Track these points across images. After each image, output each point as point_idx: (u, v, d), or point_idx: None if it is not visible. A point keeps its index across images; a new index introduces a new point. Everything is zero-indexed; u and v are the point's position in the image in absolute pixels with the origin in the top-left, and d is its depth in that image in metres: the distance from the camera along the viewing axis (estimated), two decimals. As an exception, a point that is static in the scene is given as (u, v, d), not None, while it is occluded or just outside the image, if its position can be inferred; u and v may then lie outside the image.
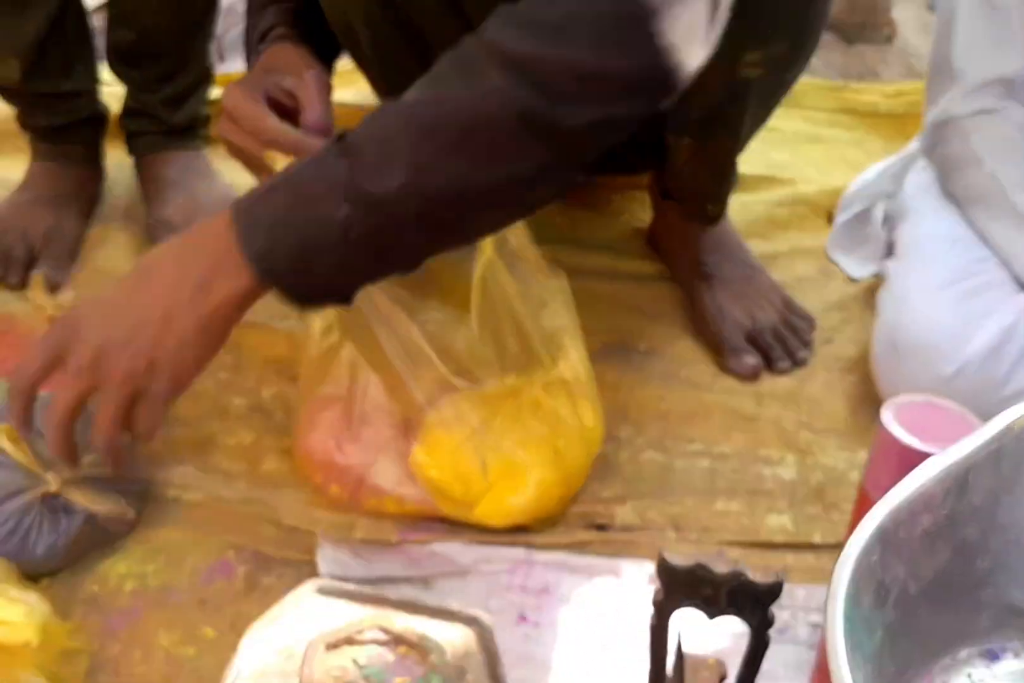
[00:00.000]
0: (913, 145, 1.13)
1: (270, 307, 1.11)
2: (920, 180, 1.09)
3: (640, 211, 1.25)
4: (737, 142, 1.00)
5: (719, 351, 1.06)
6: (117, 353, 0.71)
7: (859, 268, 1.17)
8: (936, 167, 1.07)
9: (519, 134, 0.63)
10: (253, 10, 0.96)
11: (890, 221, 1.13)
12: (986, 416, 0.65)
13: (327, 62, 0.93)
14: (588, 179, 1.28)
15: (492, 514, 0.87)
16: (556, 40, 0.62)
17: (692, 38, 0.63)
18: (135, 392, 0.72)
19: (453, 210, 0.67)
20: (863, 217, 1.17)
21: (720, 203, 1.09)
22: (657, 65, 0.63)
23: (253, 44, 0.91)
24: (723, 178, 1.05)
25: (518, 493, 0.86)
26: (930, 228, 1.03)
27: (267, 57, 0.87)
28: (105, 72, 1.25)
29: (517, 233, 0.92)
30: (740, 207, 1.27)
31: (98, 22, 1.24)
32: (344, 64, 1.03)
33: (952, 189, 1.03)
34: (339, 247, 0.66)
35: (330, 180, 0.65)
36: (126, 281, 0.75)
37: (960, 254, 0.98)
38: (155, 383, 0.72)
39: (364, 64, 1.02)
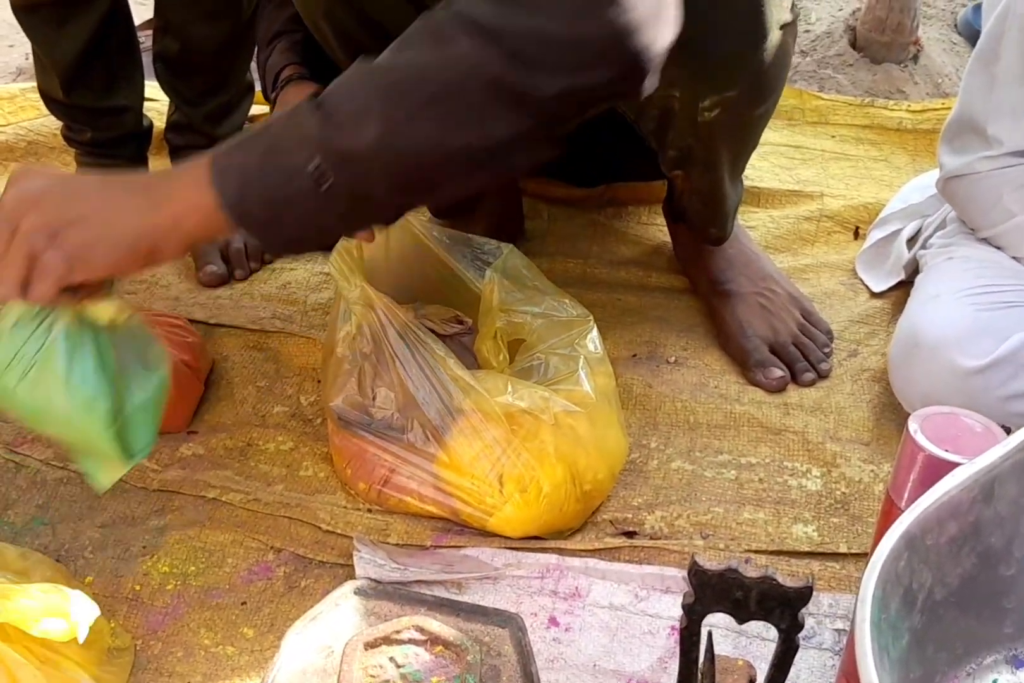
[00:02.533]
0: None
1: (309, 318, 1.15)
2: None
3: (666, 226, 1.27)
4: (718, 174, 1.02)
5: (744, 364, 1.08)
6: (39, 209, 0.68)
7: (879, 283, 1.18)
8: (961, 216, 1.07)
9: (488, 100, 0.65)
10: (262, 43, 0.97)
11: (922, 240, 1.14)
12: (994, 417, 0.67)
13: None
14: (603, 182, 1.31)
15: (506, 526, 0.89)
16: (527, 10, 0.63)
17: (658, 15, 0.64)
18: (31, 252, 0.68)
19: (423, 170, 0.68)
20: (894, 235, 1.19)
21: (721, 227, 1.11)
22: (626, 35, 0.63)
23: (268, 83, 0.93)
24: (717, 205, 1.08)
25: (532, 507, 0.88)
26: (967, 251, 1.04)
27: (284, 103, 0.88)
28: (150, 89, 1.28)
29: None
30: (768, 221, 1.30)
31: (145, 40, 1.28)
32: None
33: (983, 237, 1.04)
34: (309, 199, 0.67)
35: (303, 133, 0.66)
36: (91, 176, 0.73)
37: (993, 274, 0.99)
38: (51, 253, 0.68)
39: (337, 61, 1.02)
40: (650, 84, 0.67)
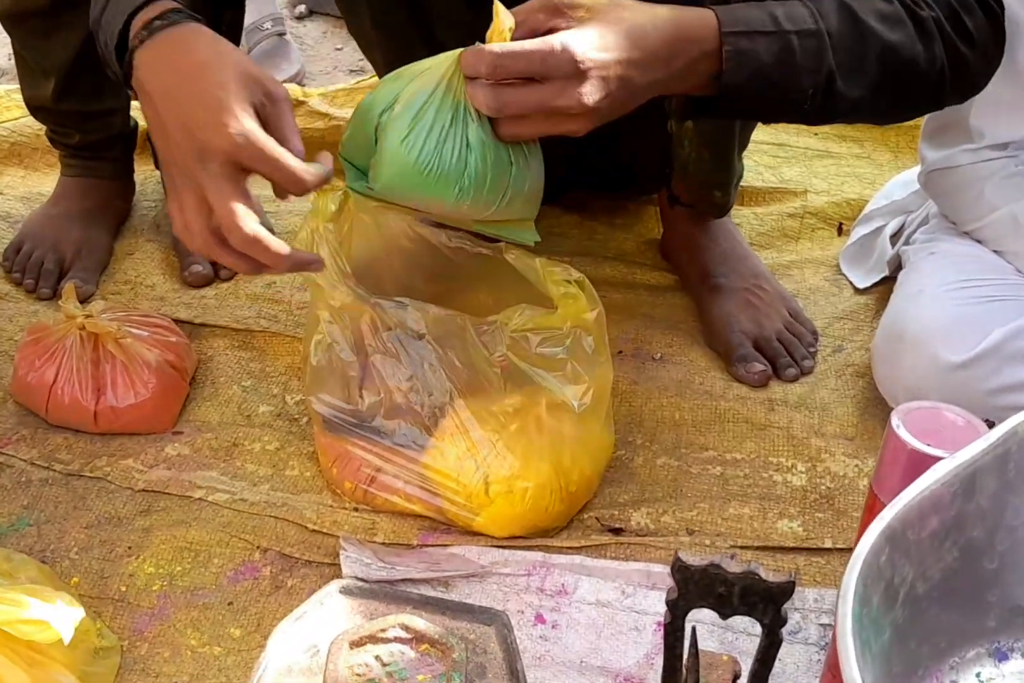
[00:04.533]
0: None
1: (294, 317, 1.15)
2: None
3: (654, 223, 1.28)
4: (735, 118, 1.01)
5: (728, 359, 1.08)
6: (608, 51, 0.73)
7: (863, 279, 1.19)
8: (944, 210, 1.07)
9: (930, 92, 0.85)
10: None
11: (905, 235, 1.14)
12: (977, 411, 0.67)
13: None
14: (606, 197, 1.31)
15: (492, 526, 0.90)
16: (977, 47, 0.84)
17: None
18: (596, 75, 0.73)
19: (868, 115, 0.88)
20: (877, 231, 1.19)
21: (726, 191, 1.11)
22: (990, 75, 0.89)
23: (114, 20, 0.78)
24: (724, 157, 1.07)
25: (517, 507, 0.88)
26: (949, 246, 1.04)
27: (209, 55, 0.75)
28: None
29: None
30: (752, 218, 1.30)
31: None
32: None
33: (966, 230, 1.05)
34: (786, 102, 0.81)
35: (820, 59, 0.78)
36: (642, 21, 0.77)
37: (976, 269, 0.99)
38: (589, 121, 0.74)
39: (366, 44, 1.01)
40: None
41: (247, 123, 0.70)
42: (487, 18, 0.73)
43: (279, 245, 0.71)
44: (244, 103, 0.71)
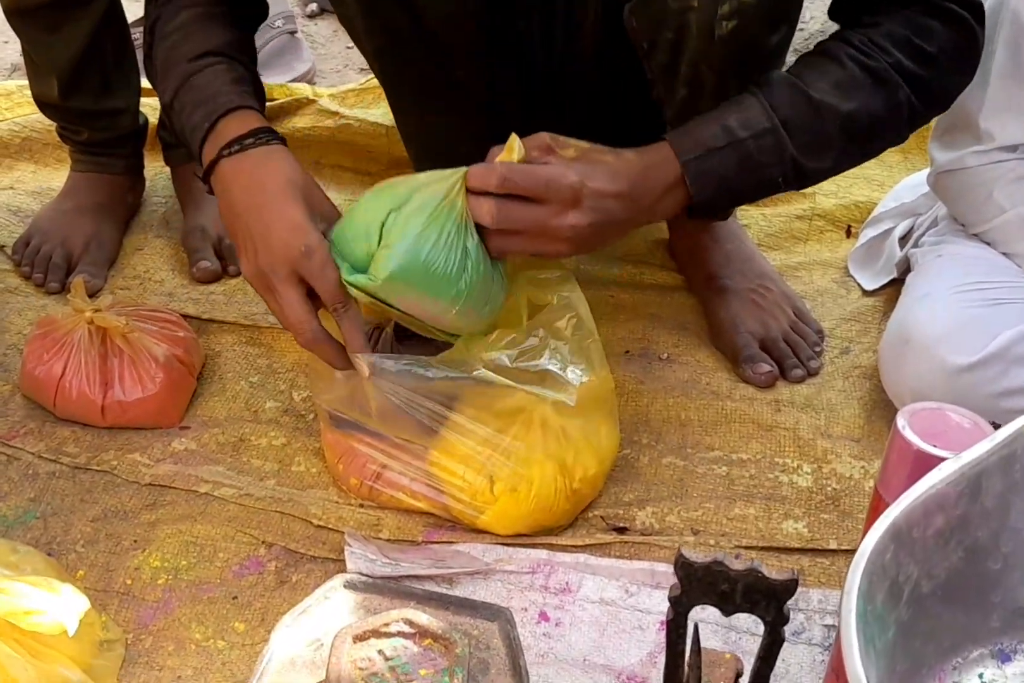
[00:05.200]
0: None
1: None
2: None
3: (662, 224, 1.27)
4: None
5: (735, 360, 1.08)
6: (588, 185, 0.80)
7: (871, 281, 1.19)
8: (953, 212, 1.07)
9: (904, 129, 0.90)
10: (181, 54, 0.91)
11: (914, 238, 1.14)
12: (983, 414, 0.67)
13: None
14: None
15: (496, 524, 0.90)
16: (942, 72, 0.88)
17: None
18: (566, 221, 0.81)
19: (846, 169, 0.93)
20: (886, 233, 1.19)
21: None
22: (968, 82, 0.92)
23: (197, 98, 0.88)
24: None
25: (522, 506, 0.88)
26: (958, 249, 1.04)
27: (288, 177, 0.84)
28: (147, 82, 1.28)
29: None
30: (760, 220, 1.30)
31: (138, 37, 1.28)
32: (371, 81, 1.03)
33: (975, 232, 1.05)
34: (763, 194, 0.92)
35: (780, 152, 0.85)
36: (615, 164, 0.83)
37: (983, 271, 0.99)
38: (575, 246, 0.82)
39: (352, 29, 1.00)
40: None
41: (312, 240, 0.80)
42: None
43: (334, 348, 0.83)
44: (312, 225, 0.81)
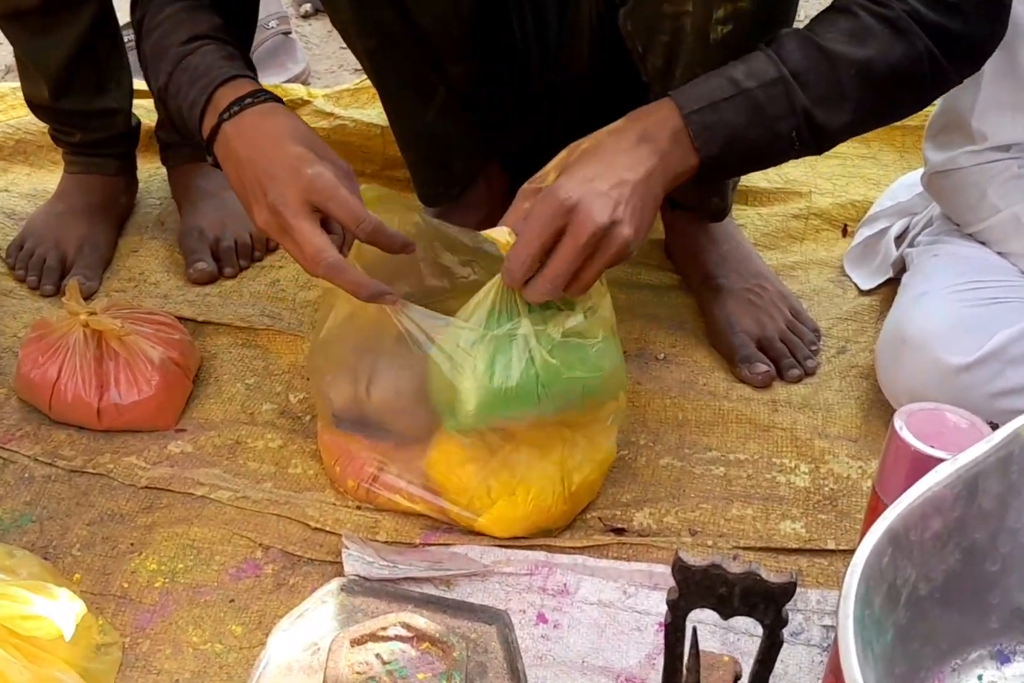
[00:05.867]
0: None
1: (298, 315, 1.15)
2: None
3: (659, 223, 1.27)
4: None
5: (731, 360, 1.08)
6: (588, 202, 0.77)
7: (867, 280, 1.19)
8: (947, 212, 1.07)
9: (928, 85, 0.85)
10: (173, 39, 0.91)
11: (909, 237, 1.14)
12: (980, 414, 0.67)
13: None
14: None
15: (494, 527, 0.90)
16: (962, 19, 0.81)
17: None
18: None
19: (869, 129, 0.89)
20: (882, 233, 1.19)
21: (723, 197, 1.11)
22: (1001, 35, 0.85)
23: (189, 76, 0.88)
24: None
25: (519, 509, 0.88)
26: (953, 248, 1.04)
27: (289, 128, 0.84)
28: (138, 85, 1.28)
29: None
30: (756, 219, 1.30)
31: (130, 38, 1.27)
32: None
33: (970, 232, 1.05)
34: (778, 151, 0.84)
35: (791, 103, 0.80)
36: (599, 155, 0.80)
37: (979, 270, 0.99)
38: (621, 232, 0.78)
39: (343, 30, 1.02)
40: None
41: (320, 167, 0.79)
42: None
43: (357, 276, 0.80)
44: (319, 160, 0.80)
